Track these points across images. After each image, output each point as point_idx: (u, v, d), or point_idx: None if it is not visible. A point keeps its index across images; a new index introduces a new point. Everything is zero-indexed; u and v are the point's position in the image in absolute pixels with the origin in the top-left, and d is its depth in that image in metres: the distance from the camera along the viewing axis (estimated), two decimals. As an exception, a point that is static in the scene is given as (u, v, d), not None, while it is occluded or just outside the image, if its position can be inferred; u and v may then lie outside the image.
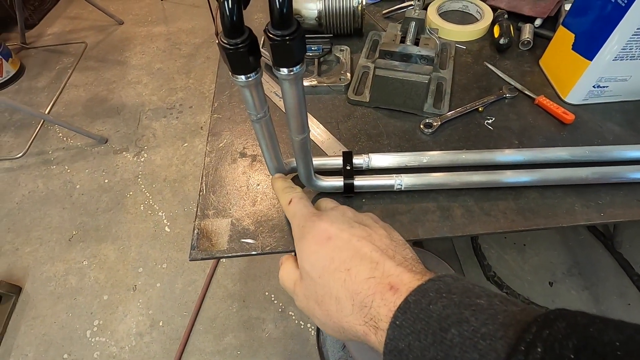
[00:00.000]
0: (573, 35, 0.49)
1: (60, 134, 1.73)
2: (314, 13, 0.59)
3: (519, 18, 0.62)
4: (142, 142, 1.72)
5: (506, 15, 0.61)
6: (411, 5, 0.62)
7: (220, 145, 0.51)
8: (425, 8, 0.64)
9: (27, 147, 1.67)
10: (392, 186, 0.43)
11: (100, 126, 1.77)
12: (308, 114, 0.38)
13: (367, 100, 0.54)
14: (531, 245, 1.24)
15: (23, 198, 1.50)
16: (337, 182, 0.44)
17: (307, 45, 0.59)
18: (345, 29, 0.61)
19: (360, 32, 0.62)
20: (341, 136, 0.51)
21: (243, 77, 0.28)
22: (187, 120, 1.80)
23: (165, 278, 1.26)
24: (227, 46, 0.25)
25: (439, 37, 0.58)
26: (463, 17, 0.65)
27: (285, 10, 0.24)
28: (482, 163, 0.45)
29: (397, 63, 0.50)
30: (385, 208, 0.44)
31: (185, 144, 1.71)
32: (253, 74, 0.28)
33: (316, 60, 0.59)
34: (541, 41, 0.59)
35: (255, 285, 1.23)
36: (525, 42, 0.58)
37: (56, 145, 1.70)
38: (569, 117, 0.49)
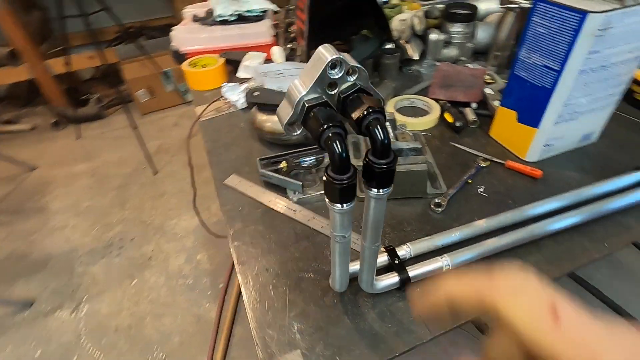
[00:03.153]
0: (515, 112, 0.62)
1: (-32, 311, 1.42)
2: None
3: (459, 104, 0.76)
4: (80, 293, 1.49)
5: (449, 104, 0.75)
6: (376, 109, 0.72)
7: (254, 273, 0.49)
8: (385, 109, 0.75)
9: None
10: (442, 268, 0.46)
11: (23, 287, 1.51)
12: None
13: (376, 195, 0.58)
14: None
15: None
16: (393, 279, 0.44)
17: (301, 159, 0.64)
18: (329, 138, 0.67)
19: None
20: (366, 233, 0.54)
21: (339, 205, 0.30)
22: (132, 254, 1.65)
23: None
24: (335, 182, 0.28)
25: (409, 130, 0.68)
26: (415, 111, 0.78)
27: (386, 142, 0.28)
28: (506, 224, 0.51)
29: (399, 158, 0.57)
30: (442, 291, 0.45)
31: (135, 281, 1.53)
32: (350, 203, 0.30)
33: (314, 170, 0.63)
34: (483, 119, 0.73)
35: None
36: (473, 122, 0.72)
37: (-36, 326, 1.37)
38: (537, 172, 0.59)
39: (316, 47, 0.29)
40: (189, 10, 1.11)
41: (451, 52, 0.90)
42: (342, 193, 0.28)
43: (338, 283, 0.40)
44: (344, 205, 0.30)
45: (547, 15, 0.51)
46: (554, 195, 0.54)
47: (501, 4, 0.83)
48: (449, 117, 0.72)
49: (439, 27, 0.92)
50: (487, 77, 0.82)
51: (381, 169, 0.28)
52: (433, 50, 0.89)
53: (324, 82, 0.29)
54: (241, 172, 0.66)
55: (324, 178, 0.28)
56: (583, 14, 0.46)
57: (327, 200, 0.30)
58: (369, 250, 0.37)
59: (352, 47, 0.90)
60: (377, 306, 0.45)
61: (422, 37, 0.91)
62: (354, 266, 0.46)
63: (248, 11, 1.01)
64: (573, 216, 0.50)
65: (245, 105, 0.81)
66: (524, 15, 0.80)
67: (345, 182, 0.27)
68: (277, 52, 0.88)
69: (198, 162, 2.11)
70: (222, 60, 0.91)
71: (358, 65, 0.29)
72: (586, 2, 0.48)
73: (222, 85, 0.88)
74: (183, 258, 1.62)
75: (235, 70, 0.95)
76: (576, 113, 0.58)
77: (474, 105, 0.75)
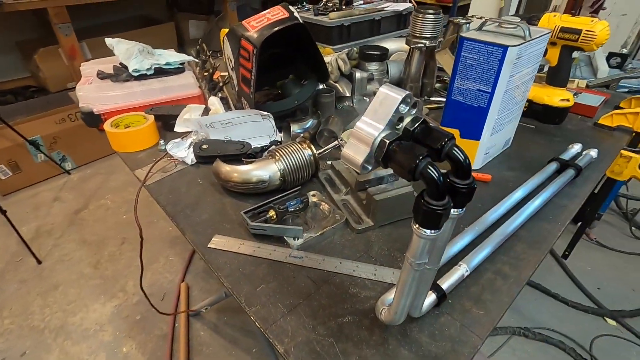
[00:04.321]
0: (457, 130, 0.73)
1: None
2: (278, 174, 0.64)
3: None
4: None
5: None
6: (336, 143, 0.76)
7: (290, 333, 0.44)
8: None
9: None
10: (463, 275, 0.50)
11: None
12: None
13: (372, 223, 0.60)
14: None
15: None
16: (430, 297, 0.46)
17: (287, 203, 0.62)
18: (304, 178, 0.67)
19: (316, 176, 0.70)
20: (378, 261, 0.55)
21: (429, 231, 0.31)
22: (27, 374, 1.27)
23: None
24: (436, 207, 0.29)
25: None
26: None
27: (468, 162, 0.30)
28: (492, 222, 0.58)
29: (383, 185, 0.60)
30: (469, 298, 0.49)
31: (40, 408, 1.18)
32: (438, 230, 0.31)
33: (302, 213, 0.62)
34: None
35: None
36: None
37: None
38: (487, 177, 0.70)
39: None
40: (88, 68, 0.99)
41: (373, 87, 1.01)
42: (443, 218, 0.29)
43: (401, 314, 0.39)
44: (435, 231, 0.31)
45: (474, 50, 0.63)
46: (507, 192, 0.65)
47: (407, 44, 0.98)
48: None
49: (358, 67, 1.02)
50: (410, 105, 0.94)
51: (463, 188, 0.30)
52: (359, 87, 0.99)
53: (395, 118, 0.31)
54: (222, 231, 0.60)
55: (421, 206, 0.29)
56: (505, 47, 0.59)
57: (415, 226, 0.31)
58: (429, 272, 0.38)
59: (287, 92, 0.92)
60: (425, 328, 0.45)
61: (348, 77, 1.00)
62: (390, 295, 0.46)
63: (167, 64, 0.95)
64: (531, 206, 0.61)
65: (195, 161, 0.75)
66: (429, 52, 0.96)
67: (446, 206, 0.29)
68: (216, 102, 0.85)
69: (97, 237, 1.80)
70: (151, 117, 0.83)
71: (418, 99, 0.32)
72: (499, 38, 0.62)
73: (159, 142, 0.79)
74: (103, 357, 1.33)
75: (166, 125, 0.87)
76: (502, 124, 0.71)
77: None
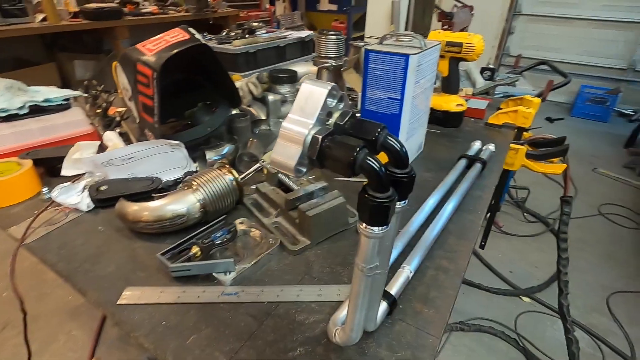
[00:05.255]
0: (374, 139, 0.74)
1: None
2: (197, 205, 0.57)
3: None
4: None
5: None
6: (259, 166, 0.71)
7: (236, 386, 0.37)
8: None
9: None
10: (408, 277, 0.49)
11: None
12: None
13: (309, 242, 0.56)
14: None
15: None
16: (382, 306, 0.43)
17: (212, 235, 0.55)
18: (228, 206, 0.61)
19: (241, 202, 0.64)
20: (322, 280, 0.51)
21: (377, 229, 0.28)
22: None
23: None
24: (381, 200, 0.26)
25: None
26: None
27: (405, 150, 0.29)
28: (421, 221, 0.59)
29: (315, 200, 0.58)
30: (418, 299, 0.48)
31: None
32: (386, 226, 0.29)
33: (231, 244, 0.55)
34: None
35: None
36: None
37: None
38: (409, 179, 0.73)
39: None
40: None
41: (288, 109, 1.00)
42: (390, 211, 0.27)
43: (357, 331, 0.36)
44: (383, 227, 0.28)
45: (379, 60, 0.66)
46: (429, 191, 0.68)
47: (315, 65, 1.00)
48: (321, 158, 0.78)
49: (269, 90, 1.01)
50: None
51: (404, 177, 0.29)
52: (274, 109, 0.97)
53: (324, 112, 0.28)
54: (135, 281, 0.50)
55: (366, 201, 0.26)
56: (407, 56, 0.63)
57: (362, 226, 0.28)
58: (381, 277, 0.35)
59: (197, 120, 0.86)
60: (382, 341, 0.42)
61: (261, 100, 0.97)
62: (341, 314, 0.42)
63: (45, 101, 0.81)
64: (453, 200, 0.64)
65: (92, 206, 0.63)
66: (336, 71, 0.99)
67: (392, 198, 0.27)
68: (114, 137, 0.74)
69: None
70: (28, 162, 0.68)
71: (343, 93, 0.30)
72: (400, 49, 0.66)
73: (42, 191, 0.66)
74: None
75: (50, 170, 0.73)
76: (414, 129, 0.75)
77: (332, 144, 0.85)
